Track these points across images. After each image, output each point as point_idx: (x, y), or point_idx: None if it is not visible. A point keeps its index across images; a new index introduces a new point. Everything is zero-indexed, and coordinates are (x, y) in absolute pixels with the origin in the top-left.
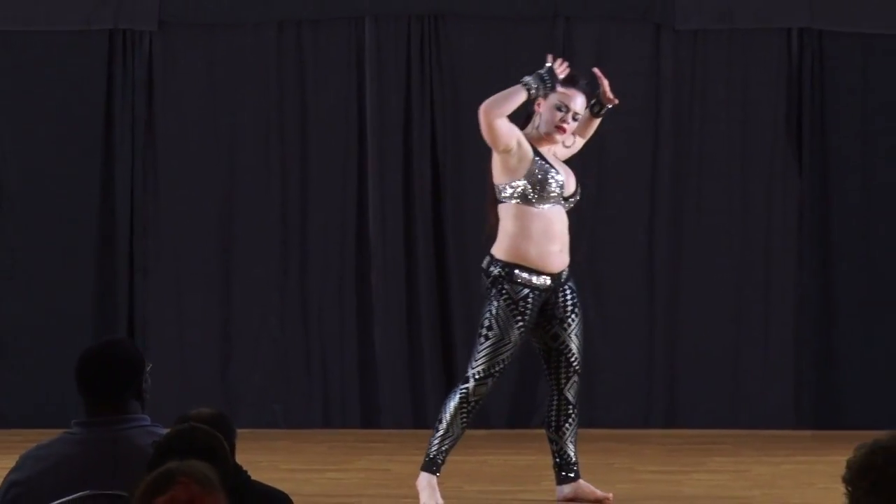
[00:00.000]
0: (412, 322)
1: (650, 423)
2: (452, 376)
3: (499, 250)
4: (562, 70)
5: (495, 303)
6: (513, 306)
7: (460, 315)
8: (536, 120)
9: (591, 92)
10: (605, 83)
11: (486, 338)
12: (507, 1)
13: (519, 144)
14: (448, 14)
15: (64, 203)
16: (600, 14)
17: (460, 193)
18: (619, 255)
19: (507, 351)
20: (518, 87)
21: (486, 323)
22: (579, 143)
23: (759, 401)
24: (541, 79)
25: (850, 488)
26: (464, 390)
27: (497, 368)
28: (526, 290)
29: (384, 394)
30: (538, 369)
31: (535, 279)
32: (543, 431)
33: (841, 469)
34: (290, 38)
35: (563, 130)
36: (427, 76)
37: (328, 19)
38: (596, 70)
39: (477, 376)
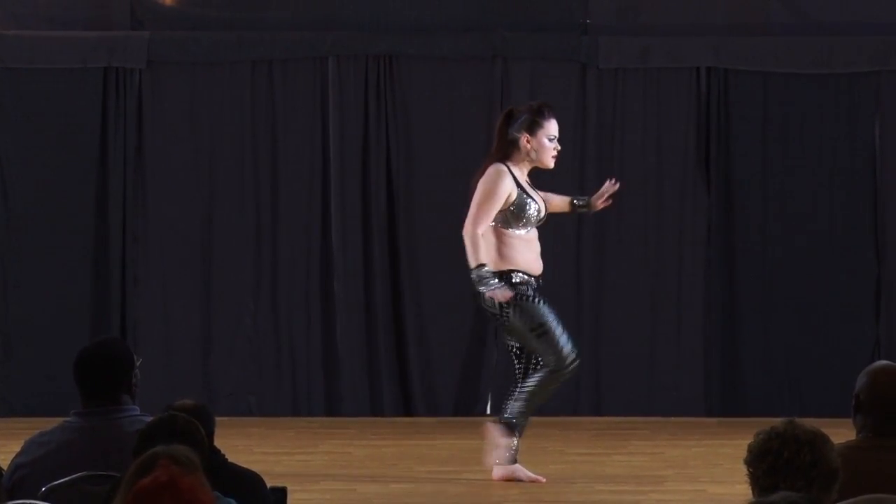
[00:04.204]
0: (370, 323)
1: (578, 412)
2: (405, 371)
3: (490, 263)
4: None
5: (515, 308)
6: (525, 298)
7: (412, 316)
8: (531, 153)
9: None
10: (608, 201)
11: (538, 335)
12: (451, 44)
13: (508, 196)
14: (400, 55)
15: (65, 219)
16: (533, 55)
17: (412, 211)
18: (549, 264)
19: (556, 326)
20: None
21: (529, 326)
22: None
23: (673, 391)
24: (487, 283)
25: (750, 469)
26: (554, 373)
27: (566, 341)
28: (524, 286)
29: (345, 386)
30: (479, 364)
31: (526, 278)
32: (484, 419)
33: (744, 452)
34: (262, 76)
35: (556, 157)
36: (382, 108)
37: (296, 59)
38: (612, 183)
39: (568, 360)
